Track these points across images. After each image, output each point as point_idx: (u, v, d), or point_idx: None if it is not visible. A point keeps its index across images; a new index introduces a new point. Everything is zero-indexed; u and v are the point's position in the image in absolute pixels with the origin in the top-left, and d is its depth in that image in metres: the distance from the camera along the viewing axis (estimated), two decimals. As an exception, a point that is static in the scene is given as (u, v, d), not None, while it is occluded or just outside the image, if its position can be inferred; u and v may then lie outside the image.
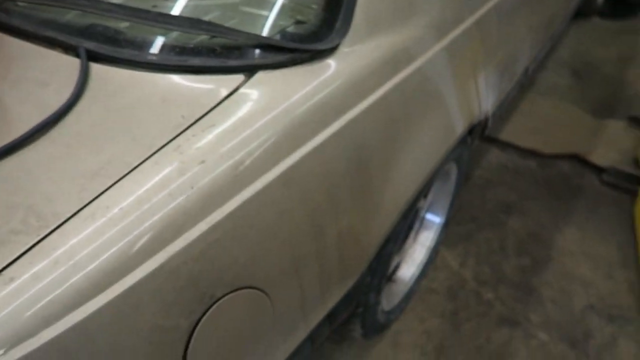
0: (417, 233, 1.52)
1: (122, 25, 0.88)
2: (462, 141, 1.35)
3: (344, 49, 0.89)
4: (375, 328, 1.37)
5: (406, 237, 1.45)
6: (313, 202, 0.84)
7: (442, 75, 1.14)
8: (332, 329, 1.08)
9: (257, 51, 0.83)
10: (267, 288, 0.80)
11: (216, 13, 0.95)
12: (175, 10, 0.94)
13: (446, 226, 1.63)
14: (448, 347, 1.51)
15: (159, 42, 0.85)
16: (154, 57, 0.82)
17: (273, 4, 0.93)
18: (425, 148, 1.15)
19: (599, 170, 2.11)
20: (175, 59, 0.82)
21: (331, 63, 0.86)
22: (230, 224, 0.70)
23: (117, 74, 0.81)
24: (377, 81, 0.93)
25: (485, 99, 1.41)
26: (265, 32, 0.88)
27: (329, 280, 0.96)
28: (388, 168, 1.03)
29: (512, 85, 1.71)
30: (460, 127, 1.28)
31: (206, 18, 0.88)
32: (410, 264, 1.51)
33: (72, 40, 0.85)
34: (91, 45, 0.83)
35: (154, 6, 0.91)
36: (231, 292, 0.74)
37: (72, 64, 0.82)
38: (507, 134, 2.28)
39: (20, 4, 0.98)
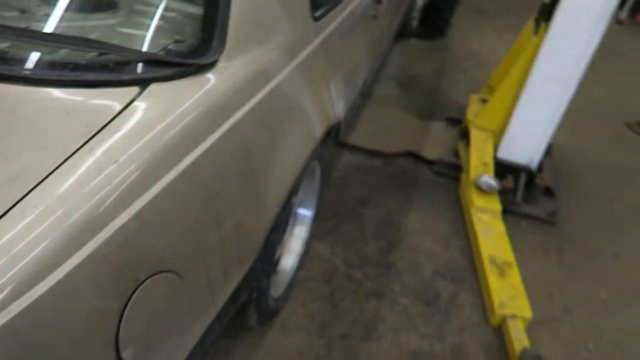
0: (292, 227, 1.70)
1: (16, 45, 0.92)
2: (322, 142, 1.58)
3: (221, 64, 1.03)
4: (267, 314, 1.51)
5: (284, 230, 1.62)
6: (211, 194, 0.98)
7: (300, 87, 1.35)
8: (236, 310, 1.20)
9: (148, 66, 0.94)
10: (180, 271, 0.91)
11: (97, 34, 1.04)
12: (58, 31, 1.01)
13: (316, 219, 1.85)
14: (329, 324, 1.72)
15: (53, 59, 0.92)
16: (50, 73, 0.89)
17: (149, 26, 1.05)
18: (294, 148, 1.34)
19: (429, 163, 2.54)
20: (70, 75, 0.89)
21: (212, 76, 1.00)
22: (145, 215, 0.80)
23: (14, 90, 0.86)
24: (251, 91, 1.09)
25: (337, 106, 1.66)
26: (149, 50, 0.99)
27: (229, 263, 1.09)
28: (268, 166, 1.20)
29: (356, 94, 2.01)
30: (319, 131, 1.50)
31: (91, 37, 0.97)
32: (290, 256, 1.69)
33: None
34: None
35: (28, 27, 0.97)
36: (151, 275, 0.84)
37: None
38: (354, 139, 2.61)
39: None
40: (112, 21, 1.06)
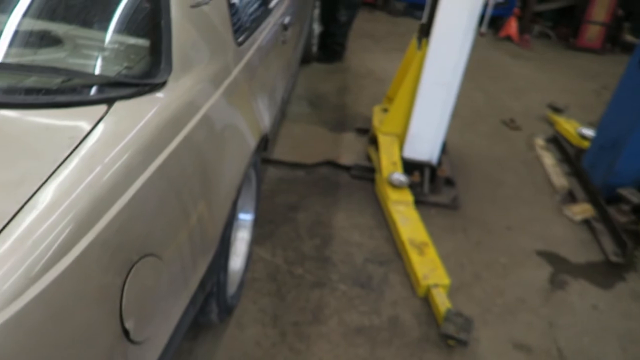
0: (236, 231, 1.87)
1: None
2: (255, 152, 1.78)
3: (171, 83, 1.21)
4: (225, 309, 1.66)
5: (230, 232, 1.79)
6: (177, 192, 1.15)
7: (235, 100, 1.56)
8: (204, 297, 1.35)
9: (112, 87, 1.10)
10: (161, 255, 1.06)
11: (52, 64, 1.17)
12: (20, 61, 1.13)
13: (256, 223, 2.03)
14: (280, 315, 1.90)
15: (26, 86, 1.05)
16: (26, 98, 1.02)
17: (97, 56, 1.21)
18: (236, 156, 1.54)
19: (346, 168, 2.82)
20: (45, 98, 1.03)
21: (164, 93, 1.18)
22: (132, 207, 0.95)
23: None
24: (198, 104, 1.28)
25: (264, 119, 1.88)
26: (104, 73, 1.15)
27: (196, 252, 1.25)
28: (218, 167, 1.39)
29: (277, 109, 2.25)
30: (253, 141, 1.71)
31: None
32: (237, 258, 1.85)
33: None
34: None
35: None
36: (141, 258, 0.99)
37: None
38: (276, 154, 2.83)
39: None
40: (61, 54, 1.21)
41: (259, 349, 1.76)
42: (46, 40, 1.21)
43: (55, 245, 0.79)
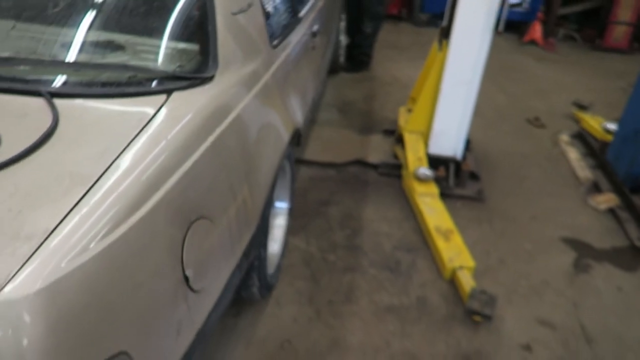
0: (273, 219, 2.05)
1: (77, 72, 1.28)
2: (289, 144, 1.96)
3: (217, 78, 1.42)
4: (265, 285, 1.83)
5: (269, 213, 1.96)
6: (227, 167, 1.34)
7: (271, 94, 1.75)
8: (248, 265, 1.53)
9: (170, 81, 1.31)
10: (212, 219, 1.25)
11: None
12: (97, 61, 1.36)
13: (291, 213, 2.20)
14: (315, 296, 2.05)
15: (102, 80, 1.27)
16: (102, 90, 1.24)
17: (154, 58, 1.43)
18: (273, 144, 1.73)
19: (374, 167, 2.98)
20: (116, 90, 1.25)
21: (212, 86, 1.38)
22: (190, 175, 1.15)
23: (80, 103, 1.20)
24: (241, 95, 1.48)
25: (295, 116, 2.07)
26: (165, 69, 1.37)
27: (241, 222, 1.43)
28: (259, 150, 1.58)
29: (308, 109, 2.44)
30: (286, 134, 1.89)
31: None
32: (274, 243, 2.03)
33: (37, 87, 1.20)
34: (54, 88, 1.21)
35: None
36: (197, 219, 1.17)
37: (39, 102, 1.17)
38: (308, 154, 3.01)
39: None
40: (128, 56, 1.43)
41: (296, 324, 1.92)
42: (115, 45, 1.44)
43: (132, 198, 0.99)
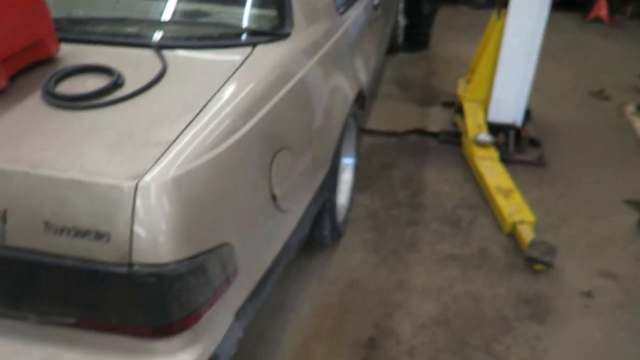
0: (341, 174, 2.22)
1: (179, 29, 1.51)
2: (354, 102, 2.11)
3: (293, 35, 1.60)
4: (335, 229, 2.00)
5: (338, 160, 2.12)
6: (303, 110, 1.53)
7: (338, 54, 1.92)
8: (322, 206, 1.72)
9: (254, 35, 1.51)
10: (294, 152, 1.43)
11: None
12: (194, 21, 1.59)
13: (356, 169, 2.36)
14: (380, 245, 2.20)
15: (198, 35, 1.49)
16: (199, 42, 1.45)
17: (240, 18, 1.63)
18: (340, 98, 1.89)
19: (434, 135, 3.08)
20: (212, 42, 1.46)
21: (290, 41, 1.57)
22: (273, 113, 1.33)
23: (182, 53, 1.41)
24: (314, 50, 1.66)
25: (359, 78, 2.22)
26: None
27: (316, 162, 1.61)
28: (329, 104, 1.74)
29: (371, 75, 2.59)
30: (352, 93, 2.05)
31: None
32: (342, 195, 2.19)
33: (148, 41, 1.44)
34: (162, 42, 1.44)
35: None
36: (281, 149, 1.36)
37: (149, 53, 1.40)
38: (370, 124, 3.17)
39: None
40: (217, 18, 1.64)
41: (364, 268, 2.08)
42: (209, 8, 1.66)
43: (231, 123, 1.18)
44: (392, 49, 4.22)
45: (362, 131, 3.06)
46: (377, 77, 3.18)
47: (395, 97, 3.66)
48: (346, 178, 2.25)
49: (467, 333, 1.80)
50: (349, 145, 2.23)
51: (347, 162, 2.26)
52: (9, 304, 1.05)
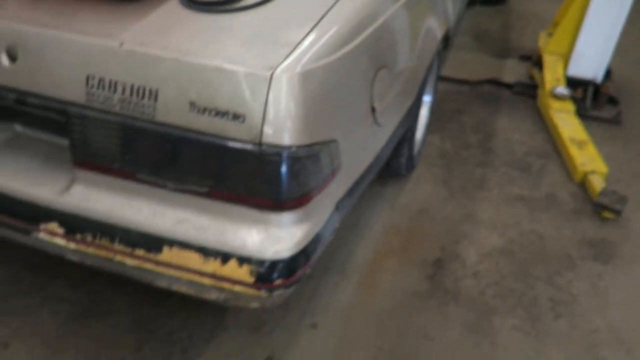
0: (420, 109, 2.31)
1: None
2: (442, 41, 2.17)
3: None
4: (410, 159, 2.12)
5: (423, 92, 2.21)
6: (401, 36, 1.62)
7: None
8: (404, 133, 1.84)
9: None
10: (392, 73, 1.54)
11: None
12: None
13: (432, 108, 2.45)
14: (449, 181, 2.31)
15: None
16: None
17: None
18: (434, 32, 1.97)
19: (509, 86, 3.09)
20: None
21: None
22: (379, 32, 1.43)
23: None
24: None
25: (448, 18, 2.27)
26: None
27: (408, 85, 1.72)
28: (424, 35, 1.83)
29: (455, 18, 2.63)
30: (440, 31, 2.11)
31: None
32: (419, 130, 2.30)
33: None
34: None
35: None
36: (382, 67, 1.47)
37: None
38: (445, 71, 3.20)
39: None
40: None
41: (433, 199, 2.20)
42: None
43: (344, 35, 1.29)
44: (470, 1, 4.16)
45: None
46: (459, 23, 3.18)
47: (471, 48, 3.65)
48: (423, 113, 2.34)
49: (530, 265, 1.91)
50: (430, 83, 2.31)
51: (426, 100, 2.35)
52: (152, 172, 1.24)
